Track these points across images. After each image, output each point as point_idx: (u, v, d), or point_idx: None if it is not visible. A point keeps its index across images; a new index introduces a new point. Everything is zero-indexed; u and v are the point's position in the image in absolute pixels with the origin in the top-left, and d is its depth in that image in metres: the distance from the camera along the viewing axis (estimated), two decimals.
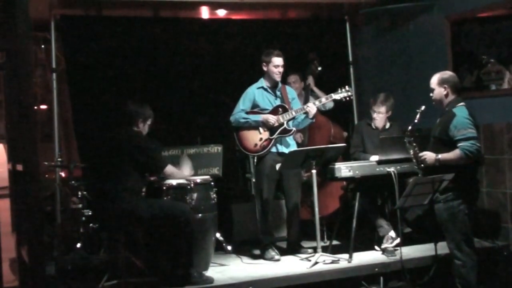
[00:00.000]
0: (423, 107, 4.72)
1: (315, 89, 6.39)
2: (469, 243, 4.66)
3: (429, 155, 4.65)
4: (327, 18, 7.38)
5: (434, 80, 4.76)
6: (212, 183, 5.15)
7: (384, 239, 5.42)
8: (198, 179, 5.10)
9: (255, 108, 5.55)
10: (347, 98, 5.61)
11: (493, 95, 5.81)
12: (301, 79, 6.37)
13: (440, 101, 4.75)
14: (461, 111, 4.61)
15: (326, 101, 5.62)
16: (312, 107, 5.45)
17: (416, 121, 4.72)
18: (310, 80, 6.31)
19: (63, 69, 6.53)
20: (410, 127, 4.74)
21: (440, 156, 4.60)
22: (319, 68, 6.29)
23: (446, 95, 4.72)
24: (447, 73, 4.81)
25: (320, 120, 6.11)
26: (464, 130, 4.53)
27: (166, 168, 4.82)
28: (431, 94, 4.78)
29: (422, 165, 4.69)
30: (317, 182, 5.28)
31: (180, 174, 4.96)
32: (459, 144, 4.53)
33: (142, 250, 5.02)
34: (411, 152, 4.76)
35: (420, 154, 4.69)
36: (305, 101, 6.05)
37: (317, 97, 6.05)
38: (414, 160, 4.75)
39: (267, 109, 5.54)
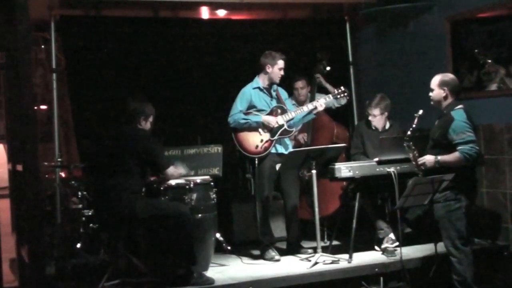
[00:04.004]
0: (420, 111, 4.75)
1: (327, 86, 6.34)
2: (464, 242, 4.69)
3: (428, 159, 4.69)
4: (327, 18, 7.37)
5: (435, 81, 4.80)
6: (212, 183, 5.15)
7: (384, 240, 5.42)
8: (198, 179, 5.10)
9: (251, 108, 5.55)
10: (344, 98, 5.63)
11: (493, 95, 5.81)
12: (307, 83, 6.30)
13: (438, 102, 4.80)
14: (459, 114, 4.65)
15: (325, 101, 5.62)
16: (321, 104, 5.46)
17: (414, 125, 4.75)
18: (320, 78, 6.27)
19: (63, 69, 6.53)
20: (409, 132, 4.77)
21: (439, 158, 4.64)
22: (328, 68, 6.25)
23: (445, 97, 4.76)
24: (449, 76, 4.85)
25: (323, 120, 6.11)
26: (463, 134, 4.58)
27: (169, 168, 4.82)
28: (430, 94, 4.82)
29: (422, 167, 4.72)
30: (317, 182, 5.28)
31: (178, 173, 4.93)
32: (459, 148, 4.57)
33: (142, 250, 5.02)
34: (411, 155, 4.80)
35: (419, 159, 4.72)
36: (310, 100, 6.03)
37: (328, 93, 6.04)
38: (413, 163, 4.79)
39: (263, 110, 5.54)
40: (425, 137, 4.94)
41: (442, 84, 4.76)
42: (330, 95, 5.64)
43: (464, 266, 4.66)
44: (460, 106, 4.71)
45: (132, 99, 5.01)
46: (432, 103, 4.84)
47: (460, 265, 4.66)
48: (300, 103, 6.10)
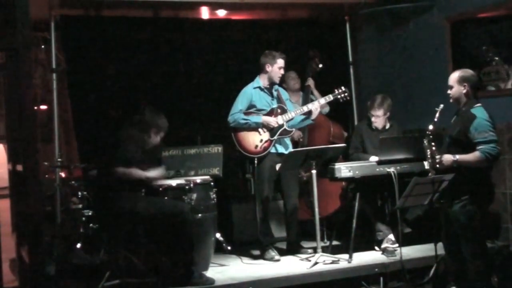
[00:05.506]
0: (441, 106, 4.54)
1: (315, 92, 6.38)
2: (484, 245, 4.61)
3: (446, 158, 4.47)
4: (327, 19, 7.37)
5: (454, 77, 4.60)
6: (212, 183, 5.16)
7: (384, 240, 5.42)
8: (198, 179, 5.11)
9: (251, 108, 5.55)
10: (344, 99, 5.64)
11: (493, 95, 5.80)
12: (298, 76, 6.37)
13: (458, 99, 4.59)
14: (480, 112, 4.47)
15: (325, 101, 5.63)
16: (317, 107, 5.48)
17: (436, 119, 4.54)
18: (310, 82, 6.30)
19: (63, 69, 6.53)
20: (430, 126, 4.55)
21: (458, 157, 4.44)
22: (320, 66, 6.25)
23: (466, 94, 4.55)
24: (469, 72, 4.64)
25: (320, 119, 6.11)
26: (485, 132, 4.40)
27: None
28: (449, 91, 4.62)
29: (438, 166, 4.51)
30: (317, 182, 5.28)
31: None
32: (480, 147, 4.39)
33: (142, 250, 5.02)
34: (428, 152, 4.56)
35: (437, 156, 4.51)
36: (305, 102, 6.04)
37: (315, 99, 6.06)
38: (430, 161, 4.56)
39: (264, 110, 5.54)
40: (438, 136, 4.76)
41: (462, 80, 4.55)
42: (330, 95, 5.64)
43: (484, 272, 4.52)
44: (479, 104, 4.54)
45: (149, 110, 4.97)
46: (451, 101, 4.62)
47: (480, 269, 4.50)
48: (293, 91, 6.20)
